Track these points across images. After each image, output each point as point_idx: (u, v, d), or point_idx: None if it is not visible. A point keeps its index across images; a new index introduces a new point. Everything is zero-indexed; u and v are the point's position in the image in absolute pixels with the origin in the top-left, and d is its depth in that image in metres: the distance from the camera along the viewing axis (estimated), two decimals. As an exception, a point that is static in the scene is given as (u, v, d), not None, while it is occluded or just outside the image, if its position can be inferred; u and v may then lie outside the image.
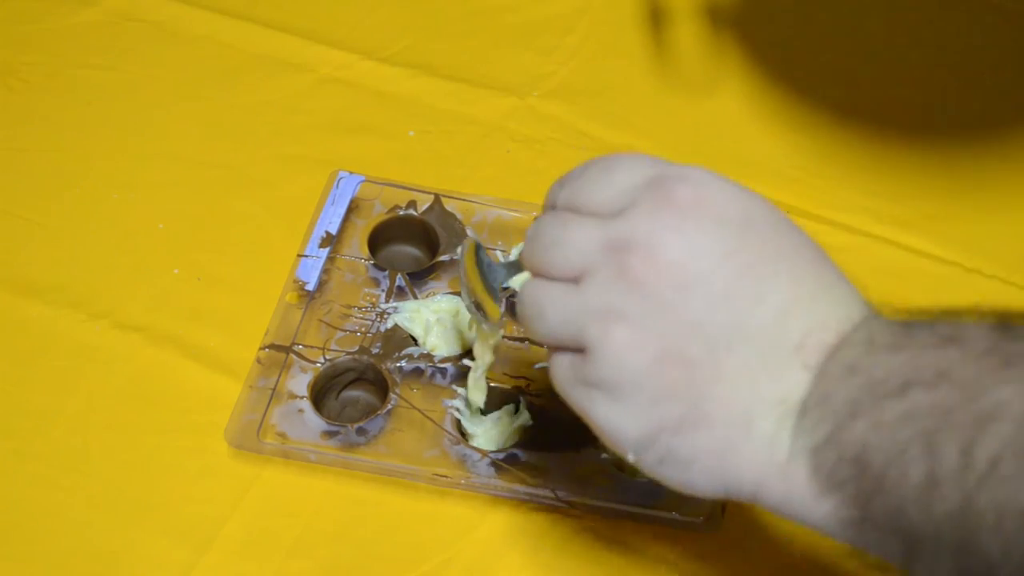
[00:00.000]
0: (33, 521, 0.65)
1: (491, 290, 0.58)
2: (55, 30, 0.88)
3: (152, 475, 0.67)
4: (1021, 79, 0.87)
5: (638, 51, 0.88)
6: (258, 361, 0.69)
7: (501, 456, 0.66)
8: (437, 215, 0.76)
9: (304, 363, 0.69)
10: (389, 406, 0.68)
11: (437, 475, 0.66)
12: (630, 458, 0.49)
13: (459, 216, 0.76)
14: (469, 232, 0.74)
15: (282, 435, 0.67)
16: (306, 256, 0.73)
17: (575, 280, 0.49)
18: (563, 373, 0.50)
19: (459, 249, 0.65)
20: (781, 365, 0.47)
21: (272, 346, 0.70)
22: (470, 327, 0.68)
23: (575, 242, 0.49)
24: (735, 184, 0.50)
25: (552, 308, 0.50)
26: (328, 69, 0.86)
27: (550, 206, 0.52)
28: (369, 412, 0.69)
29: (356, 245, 0.75)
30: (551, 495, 0.65)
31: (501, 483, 0.66)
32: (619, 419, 0.48)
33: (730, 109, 0.85)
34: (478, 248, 0.59)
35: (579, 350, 0.49)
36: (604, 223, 0.49)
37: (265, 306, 0.71)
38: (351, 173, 0.77)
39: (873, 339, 0.46)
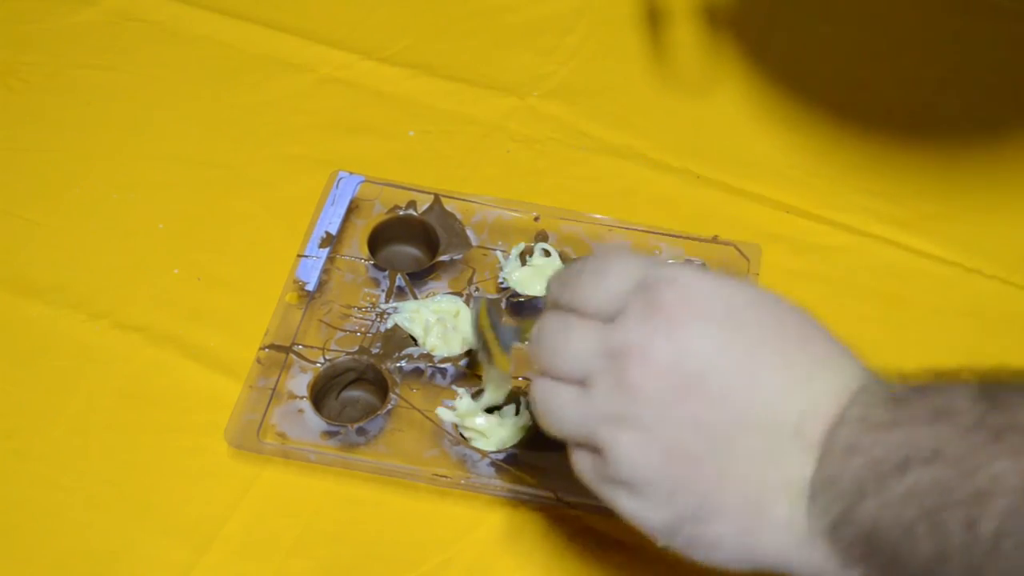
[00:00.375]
0: (33, 521, 0.65)
1: (504, 346, 0.62)
2: (55, 30, 0.88)
3: (152, 475, 0.67)
4: (1021, 79, 0.87)
5: (637, 51, 0.88)
6: (258, 361, 0.69)
7: (501, 456, 0.66)
8: (437, 215, 0.76)
9: (304, 363, 0.69)
10: (389, 406, 0.68)
11: (437, 475, 0.66)
12: (661, 543, 0.51)
13: (459, 216, 0.76)
14: (476, 294, 0.73)
15: (282, 435, 0.67)
16: (306, 256, 0.73)
17: (581, 382, 0.52)
18: (587, 472, 0.53)
19: (471, 307, 0.70)
20: (783, 450, 0.48)
21: (272, 346, 0.70)
22: (482, 379, 0.69)
23: (575, 349, 0.52)
24: (717, 277, 0.52)
25: (563, 411, 0.53)
26: (328, 69, 0.86)
27: (552, 303, 0.55)
28: (369, 412, 0.69)
29: (356, 245, 0.75)
30: (551, 495, 0.65)
31: (501, 483, 0.66)
32: (643, 512, 0.51)
33: (730, 109, 0.85)
34: (490, 308, 0.63)
35: (595, 450, 0.52)
36: (600, 329, 0.51)
37: (265, 306, 0.71)
38: (351, 173, 0.77)
39: (868, 416, 0.47)
